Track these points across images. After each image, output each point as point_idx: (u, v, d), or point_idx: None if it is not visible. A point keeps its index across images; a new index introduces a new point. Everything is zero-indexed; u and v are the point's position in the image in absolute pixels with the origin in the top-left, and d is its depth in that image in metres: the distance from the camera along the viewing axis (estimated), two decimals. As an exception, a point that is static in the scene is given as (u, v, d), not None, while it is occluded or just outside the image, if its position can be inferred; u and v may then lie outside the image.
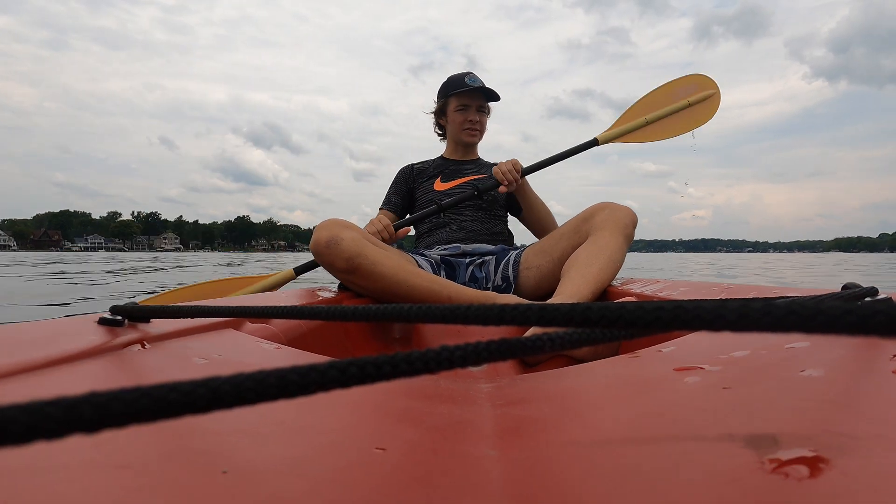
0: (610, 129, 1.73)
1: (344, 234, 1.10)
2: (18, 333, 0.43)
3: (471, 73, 1.72)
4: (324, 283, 1.56)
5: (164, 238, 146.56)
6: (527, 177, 1.60)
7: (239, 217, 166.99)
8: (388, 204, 1.77)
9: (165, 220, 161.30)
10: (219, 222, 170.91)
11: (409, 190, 1.77)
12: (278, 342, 0.66)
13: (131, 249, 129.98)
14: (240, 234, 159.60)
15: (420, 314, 0.25)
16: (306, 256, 1.60)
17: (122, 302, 0.53)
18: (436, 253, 1.51)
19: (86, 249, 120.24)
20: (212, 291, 1.49)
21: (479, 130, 1.74)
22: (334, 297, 1.16)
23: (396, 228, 1.49)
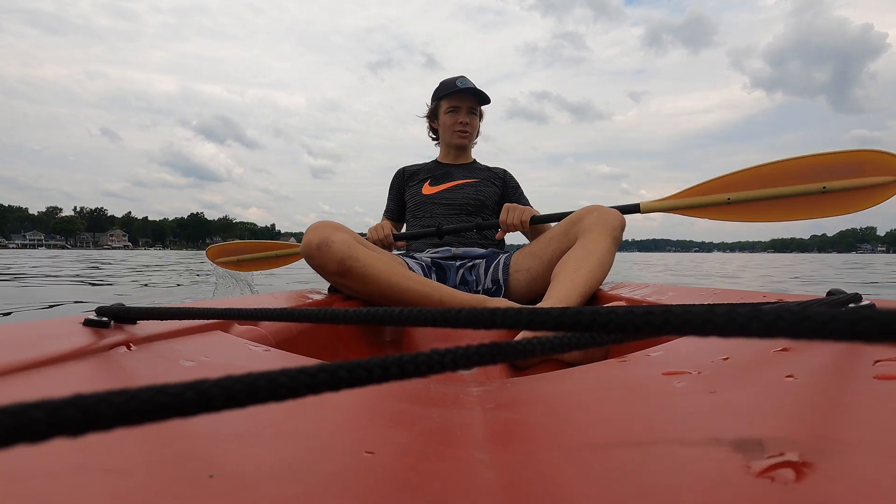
0: (671, 197, 1.35)
1: (335, 237, 1.10)
2: (1, 334, 0.42)
3: (463, 76, 1.73)
4: (314, 286, 1.56)
5: (111, 235, 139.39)
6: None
7: (192, 214, 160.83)
8: (387, 212, 1.84)
9: (112, 217, 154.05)
10: (170, 219, 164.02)
11: (401, 194, 1.79)
12: (267, 344, 0.66)
13: (75, 247, 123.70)
14: (193, 232, 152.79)
15: (411, 317, 0.25)
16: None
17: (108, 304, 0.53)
18: (426, 256, 1.51)
19: (24, 247, 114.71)
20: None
21: (470, 132, 1.75)
22: (324, 300, 1.15)
23: (396, 239, 1.54)
